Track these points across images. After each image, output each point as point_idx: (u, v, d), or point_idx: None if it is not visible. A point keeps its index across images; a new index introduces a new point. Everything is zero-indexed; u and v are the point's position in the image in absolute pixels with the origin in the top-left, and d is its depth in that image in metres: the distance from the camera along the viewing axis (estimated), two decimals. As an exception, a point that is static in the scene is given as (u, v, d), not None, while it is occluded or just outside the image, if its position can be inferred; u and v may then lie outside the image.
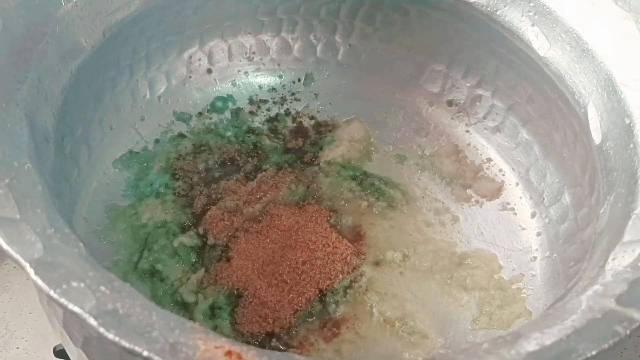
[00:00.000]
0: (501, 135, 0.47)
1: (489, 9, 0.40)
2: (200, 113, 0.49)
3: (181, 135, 0.47)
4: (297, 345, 0.37)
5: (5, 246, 0.23)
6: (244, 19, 0.48)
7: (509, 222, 0.45)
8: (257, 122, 0.49)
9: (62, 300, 0.22)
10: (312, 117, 0.50)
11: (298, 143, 0.48)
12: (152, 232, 0.41)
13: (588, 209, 0.38)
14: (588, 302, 0.25)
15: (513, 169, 0.47)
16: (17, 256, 0.23)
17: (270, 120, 0.49)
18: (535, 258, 0.43)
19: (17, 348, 0.43)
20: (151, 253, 0.40)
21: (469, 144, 0.48)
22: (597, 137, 0.35)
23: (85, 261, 0.23)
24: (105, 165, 0.43)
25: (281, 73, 0.51)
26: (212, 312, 0.38)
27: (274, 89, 0.51)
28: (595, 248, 0.31)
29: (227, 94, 0.50)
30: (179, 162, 0.45)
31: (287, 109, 0.50)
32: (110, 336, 0.21)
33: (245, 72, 0.51)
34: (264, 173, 0.45)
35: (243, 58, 0.50)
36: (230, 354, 0.22)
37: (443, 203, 0.46)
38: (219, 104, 0.49)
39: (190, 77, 0.49)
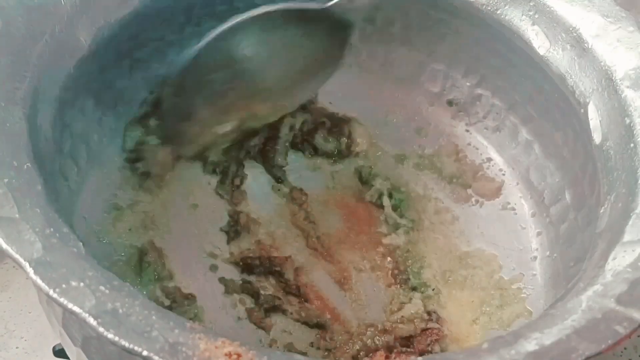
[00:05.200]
0: (501, 135, 0.47)
1: (489, 8, 0.40)
2: (200, 112, 0.49)
3: (181, 135, 0.47)
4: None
5: (4, 245, 0.23)
6: (244, 18, 0.48)
7: (509, 222, 0.45)
8: (257, 121, 0.49)
9: (62, 300, 0.22)
10: (312, 117, 0.50)
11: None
12: (152, 231, 0.41)
13: (588, 209, 0.38)
14: (588, 302, 0.25)
15: (513, 168, 0.47)
16: (16, 255, 0.23)
17: (270, 119, 0.49)
18: (535, 258, 0.42)
19: (17, 347, 0.43)
20: (151, 252, 0.40)
21: (469, 144, 0.48)
22: (597, 136, 0.35)
23: (85, 261, 0.23)
24: (104, 165, 0.43)
25: (281, 72, 0.51)
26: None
27: (273, 88, 0.51)
28: (596, 248, 0.31)
29: (227, 94, 0.50)
30: (178, 161, 0.45)
31: (287, 108, 0.50)
32: (110, 336, 0.21)
33: (245, 72, 0.51)
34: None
35: (243, 57, 0.50)
36: (230, 354, 0.22)
37: (443, 203, 0.46)
38: (219, 103, 0.49)
39: (190, 76, 0.48)
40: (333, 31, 0.39)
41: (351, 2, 0.38)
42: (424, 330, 0.37)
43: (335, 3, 0.38)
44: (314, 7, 0.38)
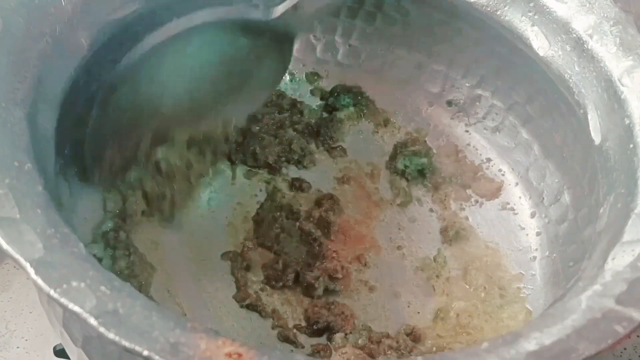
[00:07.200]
0: (501, 135, 0.47)
1: (489, 9, 0.40)
2: (199, 113, 0.49)
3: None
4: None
5: (5, 246, 0.23)
6: (244, 19, 0.48)
7: (509, 222, 0.45)
8: (257, 121, 0.49)
9: (63, 300, 0.22)
10: (312, 117, 0.50)
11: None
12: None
13: (588, 209, 0.38)
14: (588, 302, 0.25)
15: (512, 168, 0.47)
16: (17, 256, 0.23)
17: (270, 120, 0.49)
18: (534, 258, 0.43)
19: (17, 347, 0.43)
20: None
21: (468, 144, 0.48)
22: (596, 137, 0.35)
23: (86, 261, 0.23)
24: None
25: (281, 72, 0.51)
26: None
27: (273, 88, 0.51)
28: (595, 248, 0.31)
29: (227, 94, 0.50)
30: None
31: (287, 108, 0.50)
32: (111, 336, 0.21)
33: (245, 72, 0.51)
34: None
35: (243, 58, 0.50)
36: (230, 354, 0.22)
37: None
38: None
39: (190, 76, 0.49)
40: (275, 43, 0.38)
41: (294, 14, 0.37)
42: None
43: (278, 16, 0.36)
44: (257, 18, 0.37)
